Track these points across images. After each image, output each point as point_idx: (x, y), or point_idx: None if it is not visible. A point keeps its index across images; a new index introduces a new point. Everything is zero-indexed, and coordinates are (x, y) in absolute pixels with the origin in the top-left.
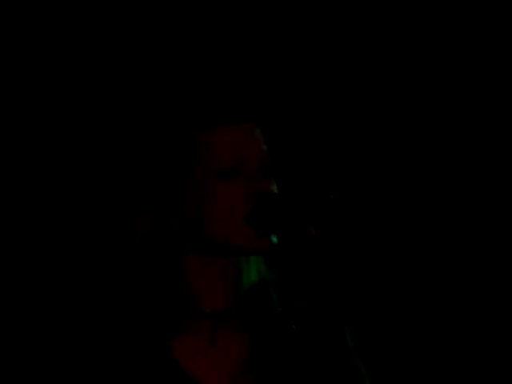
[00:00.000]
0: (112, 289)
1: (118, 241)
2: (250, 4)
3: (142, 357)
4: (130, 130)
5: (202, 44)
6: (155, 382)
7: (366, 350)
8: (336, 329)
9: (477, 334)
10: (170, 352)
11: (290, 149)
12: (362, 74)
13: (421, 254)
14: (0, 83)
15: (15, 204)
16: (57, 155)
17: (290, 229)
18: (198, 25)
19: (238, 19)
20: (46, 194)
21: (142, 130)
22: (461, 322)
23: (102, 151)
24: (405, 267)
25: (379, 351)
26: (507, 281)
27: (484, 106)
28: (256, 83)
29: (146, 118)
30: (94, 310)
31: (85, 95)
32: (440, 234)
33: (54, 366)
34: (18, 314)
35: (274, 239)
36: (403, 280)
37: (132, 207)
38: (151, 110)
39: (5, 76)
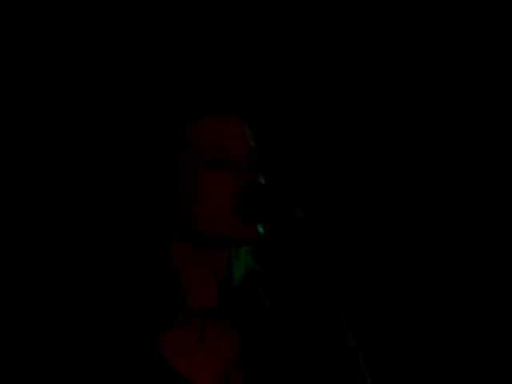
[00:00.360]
0: (102, 283)
1: (108, 233)
2: None
3: (130, 353)
4: (118, 121)
5: (191, 36)
6: (144, 381)
7: (365, 345)
8: (334, 323)
9: (475, 330)
10: (159, 349)
11: (276, 141)
12: (353, 68)
13: (416, 248)
14: None
15: (6, 199)
16: (46, 150)
17: (276, 217)
18: (186, 17)
19: (227, 13)
20: (36, 188)
21: (130, 120)
22: (458, 317)
23: (90, 145)
24: (400, 261)
25: (379, 347)
26: (505, 280)
27: (482, 107)
28: (244, 76)
29: (133, 108)
30: (83, 304)
31: (70, 87)
32: (435, 227)
33: (43, 362)
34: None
35: (261, 229)
36: (399, 274)
37: (120, 199)
38: (139, 100)
39: None
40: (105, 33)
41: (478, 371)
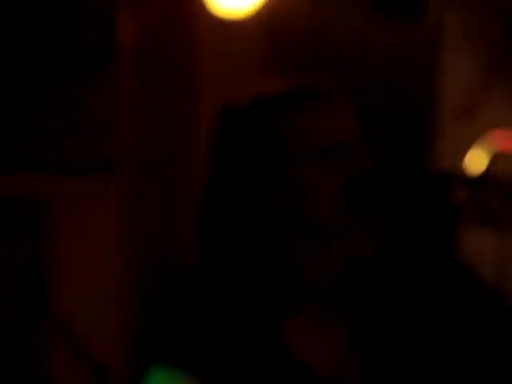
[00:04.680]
0: (219, 271)
1: (222, 224)
2: None
3: (253, 343)
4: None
5: None
6: (267, 370)
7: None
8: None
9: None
10: (281, 337)
11: None
12: None
13: None
14: None
15: None
16: None
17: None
18: None
19: None
20: None
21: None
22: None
23: None
24: None
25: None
26: None
27: None
28: None
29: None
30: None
31: None
32: None
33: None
34: None
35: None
36: None
37: (228, 191)
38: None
39: None
40: None
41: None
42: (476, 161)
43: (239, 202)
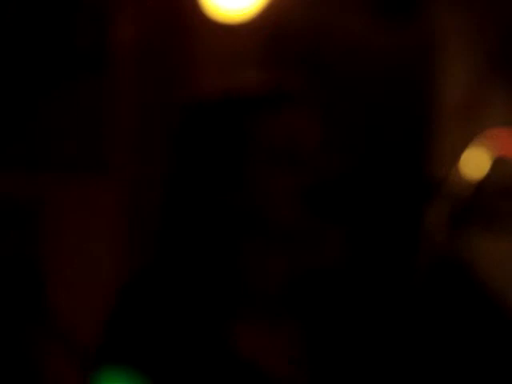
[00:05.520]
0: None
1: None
2: None
3: (205, 345)
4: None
5: None
6: (219, 371)
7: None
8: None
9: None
10: (233, 339)
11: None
12: None
13: None
14: None
15: None
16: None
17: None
18: None
19: None
20: None
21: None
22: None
23: None
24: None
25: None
26: None
27: None
28: None
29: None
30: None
31: None
32: None
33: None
34: None
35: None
36: None
37: (187, 188)
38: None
39: None
40: None
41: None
42: (474, 161)
43: (197, 200)
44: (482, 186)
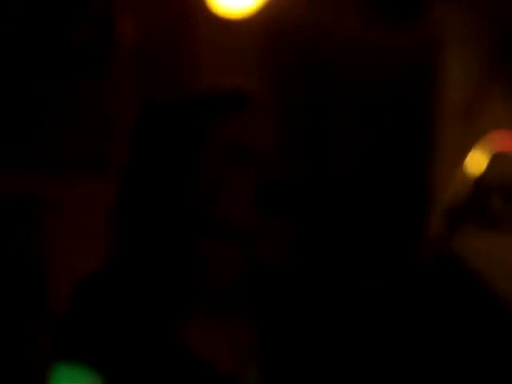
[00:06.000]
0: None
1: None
2: None
3: (155, 343)
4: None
5: None
6: (170, 369)
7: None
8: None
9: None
10: (184, 337)
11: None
12: None
13: None
14: None
15: None
16: None
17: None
18: None
19: None
20: None
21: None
22: None
23: None
24: None
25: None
26: None
27: None
28: None
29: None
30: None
31: None
32: None
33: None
34: None
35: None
36: None
37: (143, 186)
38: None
39: None
40: None
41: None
42: (476, 161)
43: (153, 197)
44: (481, 183)
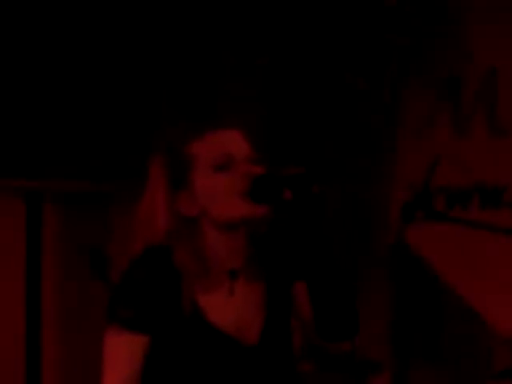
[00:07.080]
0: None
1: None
2: None
3: (176, 312)
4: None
5: None
6: (187, 333)
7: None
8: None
9: None
10: (198, 307)
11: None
12: None
13: None
14: None
15: None
16: None
17: (281, 196)
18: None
19: None
20: None
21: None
22: None
23: None
24: None
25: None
26: None
27: None
28: None
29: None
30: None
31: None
32: None
33: None
34: None
35: (268, 208)
36: None
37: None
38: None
39: None
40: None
41: None
42: (426, 170)
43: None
44: (427, 185)
